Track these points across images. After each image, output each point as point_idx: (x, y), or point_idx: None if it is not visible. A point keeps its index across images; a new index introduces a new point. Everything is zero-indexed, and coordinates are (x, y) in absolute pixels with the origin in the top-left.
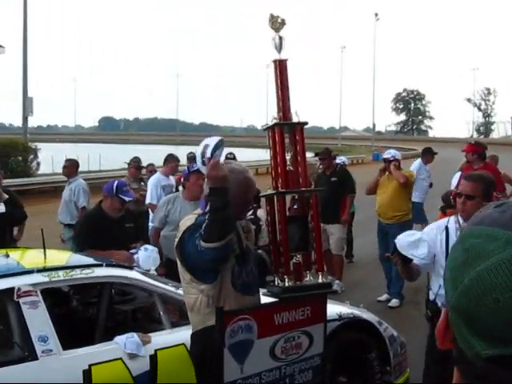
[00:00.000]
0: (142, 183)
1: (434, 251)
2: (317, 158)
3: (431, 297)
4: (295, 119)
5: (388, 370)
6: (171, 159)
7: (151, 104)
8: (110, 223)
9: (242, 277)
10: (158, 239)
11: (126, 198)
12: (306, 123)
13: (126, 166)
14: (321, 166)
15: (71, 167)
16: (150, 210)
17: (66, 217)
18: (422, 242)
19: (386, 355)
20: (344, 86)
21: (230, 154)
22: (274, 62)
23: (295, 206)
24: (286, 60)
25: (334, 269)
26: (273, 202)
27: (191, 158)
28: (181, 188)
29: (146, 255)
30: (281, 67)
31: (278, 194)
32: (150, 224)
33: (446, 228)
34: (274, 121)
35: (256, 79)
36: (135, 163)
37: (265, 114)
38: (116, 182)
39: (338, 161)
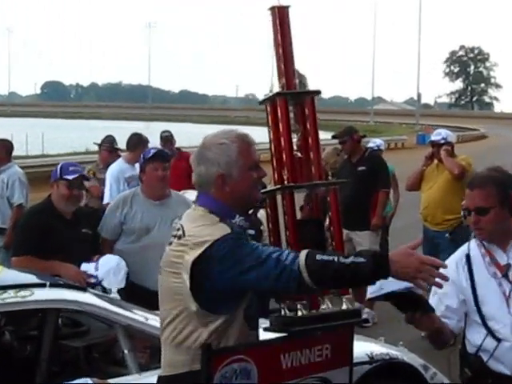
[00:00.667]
0: None
1: (462, 293)
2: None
3: (470, 349)
4: (303, 87)
5: None
6: (138, 141)
7: (113, 65)
8: (61, 224)
9: (253, 305)
10: (109, 252)
11: (70, 177)
12: (319, 92)
13: (97, 147)
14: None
15: (1, 151)
16: None
17: None
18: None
19: None
20: (378, 43)
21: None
22: (272, 9)
23: (308, 206)
24: (287, 7)
25: (363, 292)
26: (275, 201)
27: (166, 139)
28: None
29: (110, 267)
30: (281, 16)
31: (282, 190)
32: None
33: (468, 257)
34: (275, 90)
35: (258, 30)
36: (108, 144)
37: (269, 80)
38: (61, 164)
39: (370, 144)
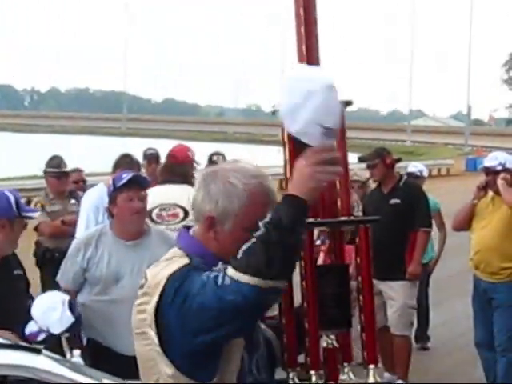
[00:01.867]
0: (73, 200)
1: None
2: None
3: None
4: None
5: None
6: (129, 164)
7: (80, 67)
8: None
9: (253, 371)
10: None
11: (34, 214)
12: (350, 103)
13: (42, 172)
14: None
15: None
16: None
17: None
18: None
19: None
20: (417, 46)
21: (216, 154)
22: None
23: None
24: None
25: (396, 360)
26: None
27: (151, 157)
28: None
29: (43, 308)
30: (306, 4)
31: None
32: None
33: None
34: None
35: (261, 28)
36: (56, 168)
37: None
38: (8, 195)
39: (411, 169)
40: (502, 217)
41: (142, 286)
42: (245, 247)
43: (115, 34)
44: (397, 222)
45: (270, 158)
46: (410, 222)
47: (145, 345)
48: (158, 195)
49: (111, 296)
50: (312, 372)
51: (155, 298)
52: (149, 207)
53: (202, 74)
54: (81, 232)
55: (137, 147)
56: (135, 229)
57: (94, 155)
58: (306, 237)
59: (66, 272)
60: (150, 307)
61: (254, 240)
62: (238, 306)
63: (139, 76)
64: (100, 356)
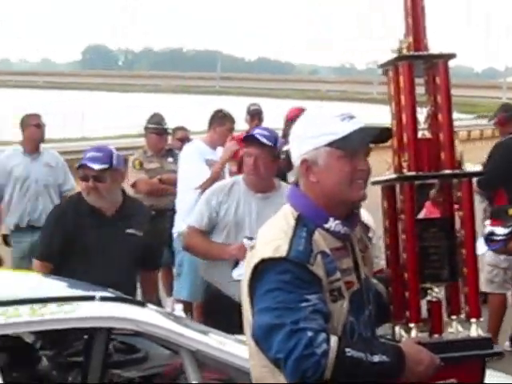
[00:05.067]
0: (171, 159)
1: None
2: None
3: None
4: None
5: None
6: (222, 118)
7: (172, 26)
8: (94, 222)
9: (356, 333)
10: (195, 240)
11: (96, 166)
12: (454, 55)
13: (143, 130)
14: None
15: (36, 133)
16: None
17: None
18: None
19: None
20: None
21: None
22: None
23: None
24: None
25: (491, 315)
26: (393, 194)
27: (254, 113)
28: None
29: None
30: None
31: (400, 181)
32: (176, 232)
33: None
34: (401, 52)
35: None
36: (155, 125)
37: (370, 45)
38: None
39: None
40: None
41: (252, 247)
42: (356, 354)
43: None
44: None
45: (364, 115)
46: None
47: (245, 295)
48: None
49: (234, 242)
50: (411, 325)
51: (261, 253)
52: None
53: (294, 33)
54: (198, 178)
55: (231, 106)
56: (267, 183)
57: (188, 113)
58: (408, 190)
59: (201, 215)
60: (249, 269)
61: (365, 355)
62: (292, 373)
63: (233, 34)
64: (218, 304)
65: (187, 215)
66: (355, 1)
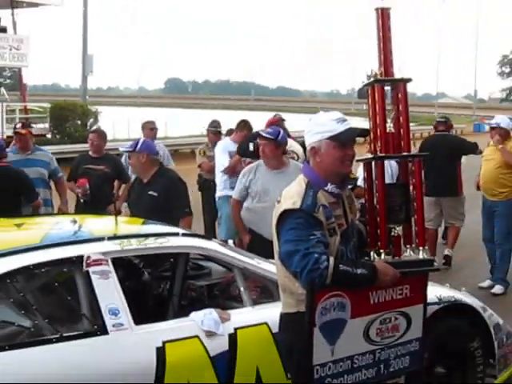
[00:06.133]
0: None
1: None
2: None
3: None
4: (398, 75)
5: (491, 362)
6: (244, 127)
7: (224, 65)
8: (137, 186)
9: (345, 256)
10: (237, 212)
11: (123, 149)
12: (410, 80)
13: (205, 131)
14: None
15: (150, 133)
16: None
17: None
18: None
19: (490, 346)
20: (442, 46)
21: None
22: (376, 10)
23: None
24: (389, 8)
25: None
26: (370, 168)
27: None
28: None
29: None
30: (383, 16)
31: (376, 159)
32: (218, 194)
33: None
34: (376, 77)
35: (343, 39)
36: (213, 128)
37: (351, 78)
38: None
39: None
40: (498, 159)
41: (278, 201)
42: (345, 268)
43: (245, 44)
44: None
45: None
46: None
47: (274, 233)
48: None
49: (263, 203)
50: (381, 251)
51: (283, 206)
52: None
53: (300, 68)
54: (217, 166)
55: (260, 117)
56: (277, 164)
57: (232, 122)
58: (380, 165)
59: (239, 190)
60: (277, 212)
61: (351, 269)
62: (307, 279)
63: (262, 70)
64: (254, 239)
65: (219, 186)
66: (355, 1)
